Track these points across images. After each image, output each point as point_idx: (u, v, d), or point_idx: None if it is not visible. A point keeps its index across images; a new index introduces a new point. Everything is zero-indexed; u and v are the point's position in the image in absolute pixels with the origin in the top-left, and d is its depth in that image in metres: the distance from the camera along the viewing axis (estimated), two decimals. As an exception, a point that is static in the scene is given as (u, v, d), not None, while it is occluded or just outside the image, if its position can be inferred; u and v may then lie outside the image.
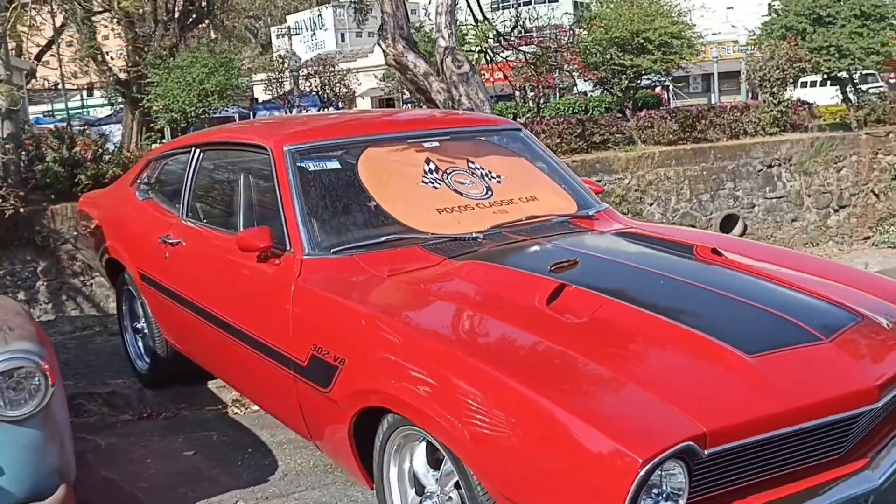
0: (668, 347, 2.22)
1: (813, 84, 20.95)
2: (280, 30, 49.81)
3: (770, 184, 11.59)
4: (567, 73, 16.91)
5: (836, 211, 12.00)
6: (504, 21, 11.26)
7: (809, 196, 11.83)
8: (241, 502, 3.14)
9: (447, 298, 2.61)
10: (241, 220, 3.32)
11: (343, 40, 65.05)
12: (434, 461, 2.39)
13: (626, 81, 13.83)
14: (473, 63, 6.73)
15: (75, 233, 6.12)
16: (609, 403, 2.01)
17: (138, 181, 4.20)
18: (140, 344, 4.38)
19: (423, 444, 2.39)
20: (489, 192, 3.35)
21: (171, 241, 3.63)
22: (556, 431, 1.91)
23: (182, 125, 15.22)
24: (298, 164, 3.10)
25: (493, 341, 2.35)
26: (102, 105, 31.39)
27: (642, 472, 1.75)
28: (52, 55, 23.76)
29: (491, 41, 9.43)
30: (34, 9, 14.35)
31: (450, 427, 2.11)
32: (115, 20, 22.86)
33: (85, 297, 8.69)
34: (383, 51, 6.50)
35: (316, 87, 16.92)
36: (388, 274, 2.73)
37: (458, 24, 6.69)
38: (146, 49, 20.37)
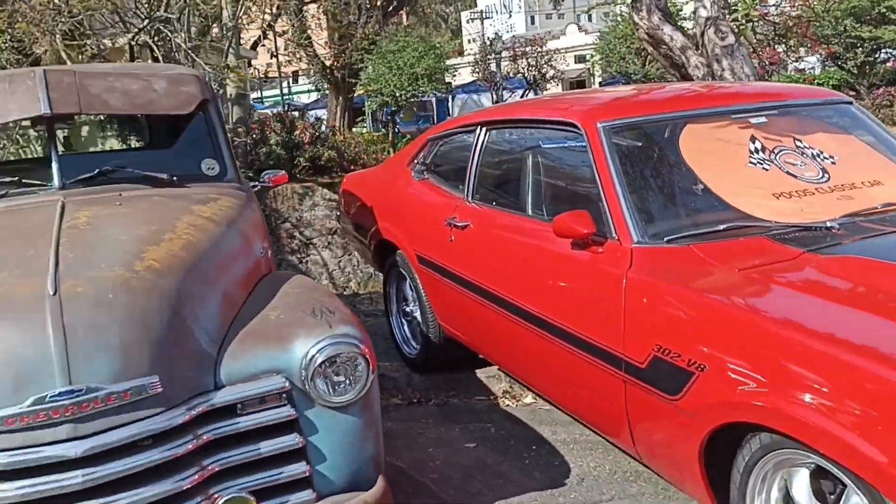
0: None
1: None
2: (473, 14, 50.26)
3: None
4: (792, 49, 15.60)
5: None
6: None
7: None
8: (539, 505, 2.94)
9: (832, 299, 2.22)
10: (541, 202, 3.10)
11: (533, 23, 64.73)
12: (818, 491, 2.03)
13: (862, 56, 12.47)
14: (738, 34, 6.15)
15: (337, 213, 6.24)
16: None
17: (415, 161, 4.11)
18: (407, 328, 4.32)
19: (807, 470, 2.04)
20: (825, 176, 2.90)
21: (457, 224, 3.48)
22: None
23: (393, 109, 15.63)
24: (615, 142, 2.82)
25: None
26: (308, 91, 33.10)
27: None
28: (262, 45, 25.27)
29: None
30: (253, 1, 15.20)
31: (864, 451, 1.75)
32: (321, 10, 23.96)
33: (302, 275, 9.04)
34: (635, 23, 6.11)
35: (522, 68, 16.72)
36: (740, 268, 2.38)
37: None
38: (350, 36, 21.17)
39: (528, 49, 16.77)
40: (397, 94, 14.93)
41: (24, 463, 2.10)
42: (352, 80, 20.43)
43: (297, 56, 24.98)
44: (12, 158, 5.86)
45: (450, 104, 25.76)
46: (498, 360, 3.56)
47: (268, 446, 2.41)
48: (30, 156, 7.16)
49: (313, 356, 2.41)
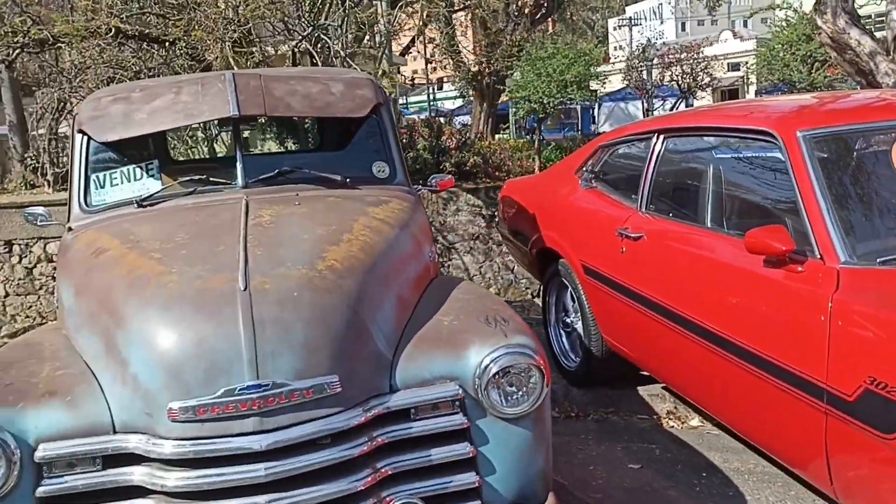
0: None
1: None
2: (621, 21, 49.29)
3: None
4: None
5: None
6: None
7: None
8: (713, 538, 2.76)
9: None
10: (725, 216, 2.91)
11: (683, 30, 62.71)
12: None
13: None
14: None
15: (495, 219, 6.21)
16: None
17: (584, 169, 4.00)
18: (566, 339, 4.21)
19: None
20: None
21: (630, 235, 3.34)
22: None
23: (540, 115, 15.49)
24: (816, 152, 2.60)
25: None
26: (453, 97, 33.49)
27: None
28: (409, 53, 25.78)
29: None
30: (406, 11, 15.51)
31: None
32: (469, 17, 24.18)
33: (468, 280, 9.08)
34: (818, 27, 5.71)
35: (676, 76, 16.16)
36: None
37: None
38: (499, 43, 21.21)
39: (682, 56, 16.16)
40: (545, 101, 14.76)
41: (213, 452, 2.15)
42: (499, 86, 20.45)
43: (443, 64, 25.34)
44: (191, 158, 6.19)
45: (595, 112, 25.32)
46: (666, 377, 3.38)
47: (439, 453, 2.37)
48: (198, 156, 7.55)
49: (487, 366, 2.36)
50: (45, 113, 11.20)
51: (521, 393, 2.41)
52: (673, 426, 3.69)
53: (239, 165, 3.31)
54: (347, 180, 3.38)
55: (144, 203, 3.24)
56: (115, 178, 3.37)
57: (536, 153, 14.95)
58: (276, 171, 3.37)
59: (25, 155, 9.97)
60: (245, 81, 3.37)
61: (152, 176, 3.38)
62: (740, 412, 2.83)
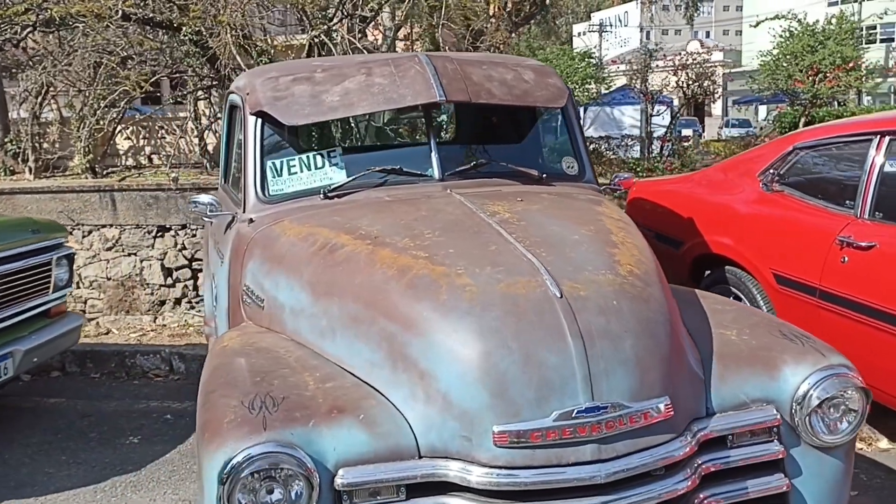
0: None
1: None
2: (591, 27, 49.65)
3: None
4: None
5: None
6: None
7: None
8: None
9: None
10: None
11: (647, 38, 63.46)
12: None
13: None
14: None
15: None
16: None
17: (769, 171, 3.77)
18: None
19: None
20: None
21: (856, 244, 3.13)
22: None
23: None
24: None
25: None
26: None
27: None
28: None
29: None
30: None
31: None
32: (447, 14, 23.92)
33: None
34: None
35: (682, 82, 16.12)
36: None
37: None
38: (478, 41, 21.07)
39: (689, 62, 16.12)
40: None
41: (548, 484, 1.88)
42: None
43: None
44: (363, 145, 5.59)
45: (581, 115, 25.27)
46: None
47: (755, 485, 2.13)
48: (365, 143, 6.73)
49: (809, 391, 2.12)
50: (29, 96, 10.59)
51: (842, 420, 2.18)
52: (861, 448, 3.50)
53: (434, 156, 3.02)
54: (544, 176, 3.12)
55: (331, 194, 2.93)
56: (294, 165, 3.04)
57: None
58: (473, 163, 3.09)
59: (6, 140, 9.36)
60: (442, 64, 3.08)
61: (335, 164, 3.05)
62: None
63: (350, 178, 2.97)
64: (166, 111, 11.29)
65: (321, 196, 2.93)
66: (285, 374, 2.13)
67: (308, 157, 3.07)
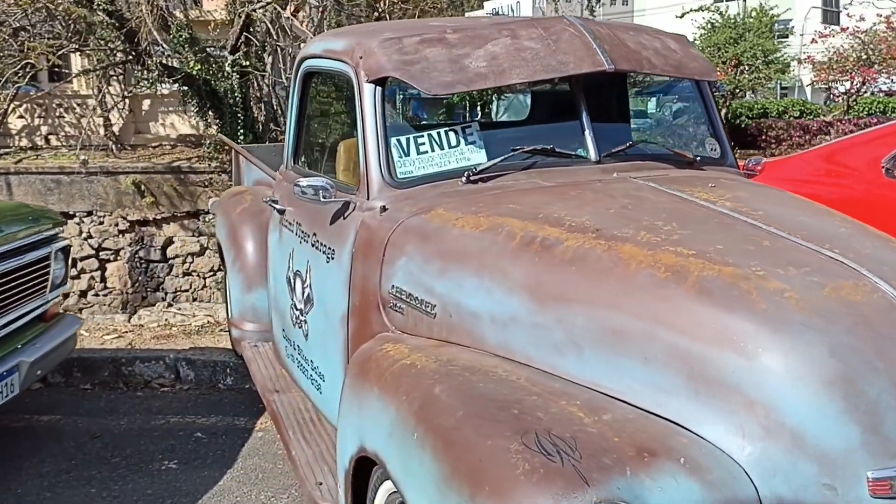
0: None
1: None
2: (490, 14, 49.90)
3: None
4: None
5: None
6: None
7: None
8: None
9: None
10: None
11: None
12: None
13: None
14: None
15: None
16: None
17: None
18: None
19: None
20: None
21: None
22: None
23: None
24: None
25: None
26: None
27: None
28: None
29: None
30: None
31: None
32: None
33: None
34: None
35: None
36: None
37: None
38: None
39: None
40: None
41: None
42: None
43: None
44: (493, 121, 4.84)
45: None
46: None
47: None
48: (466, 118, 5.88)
49: None
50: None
51: None
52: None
53: (589, 134, 2.59)
54: (697, 159, 2.76)
55: (475, 178, 2.45)
56: (423, 143, 2.54)
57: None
58: (628, 143, 2.69)
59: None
60: (597, 29, 2.65)
61: (472, 143, 2.57)
62: None
63: (498, 159, 2.50)
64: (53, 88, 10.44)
65: (463, 180, 2.45)
66: (536, 404, 1.67)
67: (440, 133, 2.58)
